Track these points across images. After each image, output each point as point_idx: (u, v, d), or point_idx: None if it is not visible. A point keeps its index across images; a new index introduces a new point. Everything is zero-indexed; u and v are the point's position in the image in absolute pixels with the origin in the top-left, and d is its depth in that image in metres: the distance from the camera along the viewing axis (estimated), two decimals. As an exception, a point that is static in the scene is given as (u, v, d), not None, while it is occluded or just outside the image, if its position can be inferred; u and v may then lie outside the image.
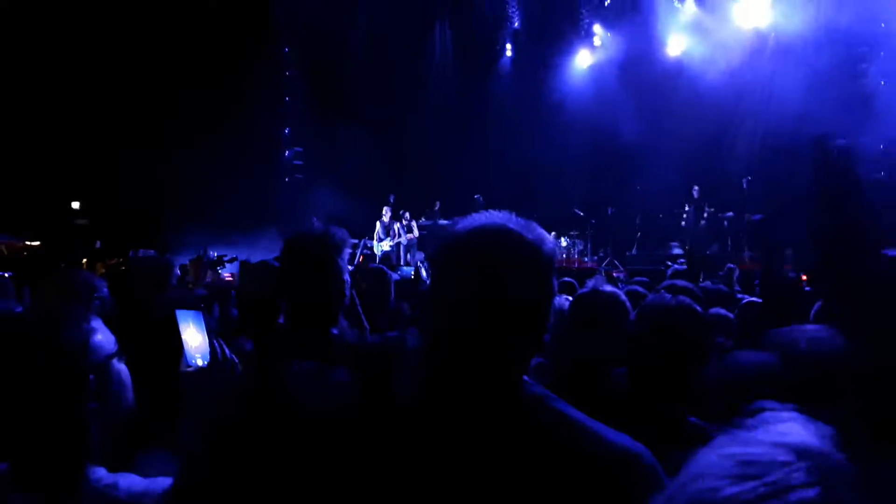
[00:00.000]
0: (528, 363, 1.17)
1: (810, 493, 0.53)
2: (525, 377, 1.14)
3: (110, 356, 1.31)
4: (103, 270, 8.05)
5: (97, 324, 1.33)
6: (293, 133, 16.18)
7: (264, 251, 9.17)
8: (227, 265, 10.22)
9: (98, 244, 11.99)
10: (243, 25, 13.50)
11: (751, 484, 0.55)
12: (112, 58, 12.51)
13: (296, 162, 16.15)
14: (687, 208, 13.81)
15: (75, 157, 12.58)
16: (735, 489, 0.55)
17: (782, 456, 0.56)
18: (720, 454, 0.59)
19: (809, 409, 0.63)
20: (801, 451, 0.57)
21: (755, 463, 0.56)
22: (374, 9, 16.16)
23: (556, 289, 1.18)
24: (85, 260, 10.45)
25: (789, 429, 0.60)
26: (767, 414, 0.65)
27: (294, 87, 15.98)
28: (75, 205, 13.82)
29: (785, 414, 0.64)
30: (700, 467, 0.59)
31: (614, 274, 9.66)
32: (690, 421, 1.98)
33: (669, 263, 10.10)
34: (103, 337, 1.33)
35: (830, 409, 0.60)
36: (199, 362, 1.40)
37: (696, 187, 13.82)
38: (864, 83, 13.67)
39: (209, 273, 7.14)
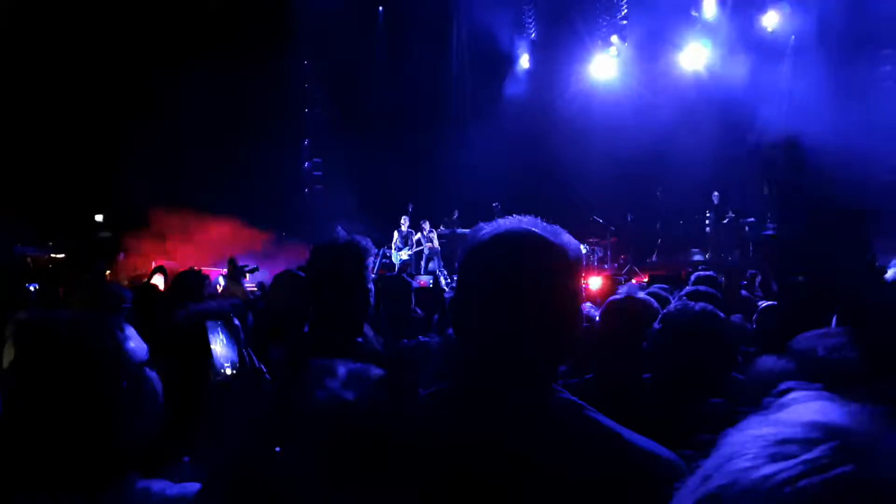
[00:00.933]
0: (558, 368, 1.17)
1: (846, 469, 0.53)
2: (556, 385, 1.14)
3: (143, 363, 1.33)
4: (126, 282, 8.14)
5: (130, 331, 1.35)
6: (312, 144, 16.29)
7: (285, 261, 9.22)
8: (249, 275, 10.29)
9: (121, 256, 12.13)
10: (264, 38, 13.63)
11: (787, 463, 0.54)
12: (135, 73, 12.68)
13: (315, 173, 16.26)
14: (708, 214, 13.72)
15: (99, 170, 12.75)
16: (771, 468, 0.55)
17: (815, 434, 0.56)
18: (754, 434, 0.59)
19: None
20: (833, 430, 0.56)
21: (789, 441, 0.56)
22: (392, 21, 16.28)
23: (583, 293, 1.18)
24: (109, 272, 10.58)
25: (820, 407, 0.60)
26: (796, 394, 0.63)
27: (314, 98, 16.10)
28: (99, 217, 14.01)
29: (813, 393, 0.63)
30: (734, 447, 0.59)
31: (635, 280, 9.61)
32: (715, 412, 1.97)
33: (690, 270, 10.04)
34: (136, 344, 1.35)
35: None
36: (229, 372, 1.41)
37: (717, 193, 13.73)
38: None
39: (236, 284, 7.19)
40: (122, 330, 1.33)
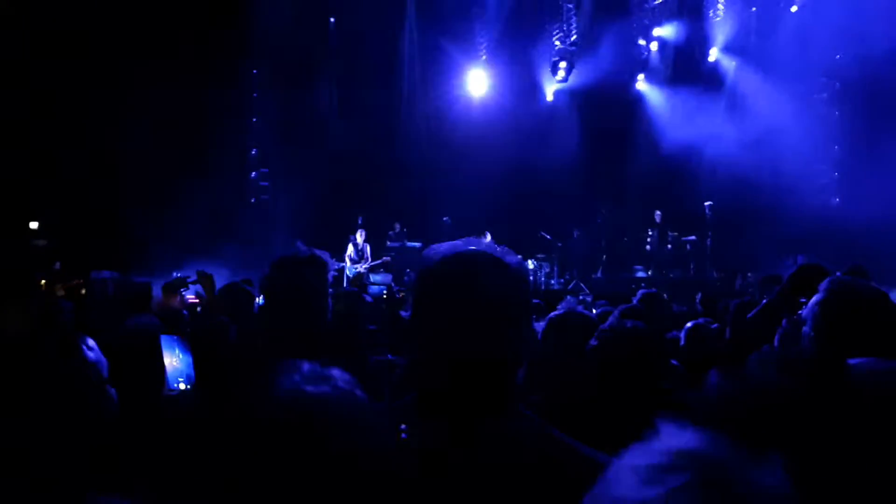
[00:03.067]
0: (516, 382, 1.19)
1: (704, 494, 0.61)
2: (518, 403, 1.16)
3: (105, 379, 1.30)
4: (63, 292, 7.87)
5: (93, 345, 1.31)
6: (260, 154, 16.08)
7: (229, 273, 9.06)
8: (191, 286, 10.06)
9: (57, 265, 11.71)
10: (212, 45, 13.42)
11: (654, 488, 0.62)
12: (72, 76, 12.31)
13: (262, 183, 16.04)
14: (651, 232, 14.08)
15: (33, 177, 12.32)
16: (642, 493, 0.63)
17: (680, 461, 0.64)
18: (631, 462, 0.68)
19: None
20: (694, 457, 0.64)
21: (659, 467, 0.64)
22: (344, 33, 16.24)
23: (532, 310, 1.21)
24: (44, 282, 10.19)
25: (685, 438, 0.68)
26: (667, 428, 0.71)
27: (261, 108, 15.91)
28: (33, 225, 13.50)
29: (687, 427, 0.70)
30: (615, 474, 0.68)
31: (580, 296, 9.77)
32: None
33: (634, 287, 10.26)
34: (97, 358, 1.31)
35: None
36: (182, 387, 1.38)
37: (659, 212, 14.11)
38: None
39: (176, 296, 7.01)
40: (87, 345, 1.29)
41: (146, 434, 1.40)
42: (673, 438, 0.68)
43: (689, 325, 4.13)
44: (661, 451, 0.66)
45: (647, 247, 14.19)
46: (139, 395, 1.52)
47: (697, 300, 7.11)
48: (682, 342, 3.97)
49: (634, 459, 0.67)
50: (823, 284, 2.06)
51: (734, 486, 0.62)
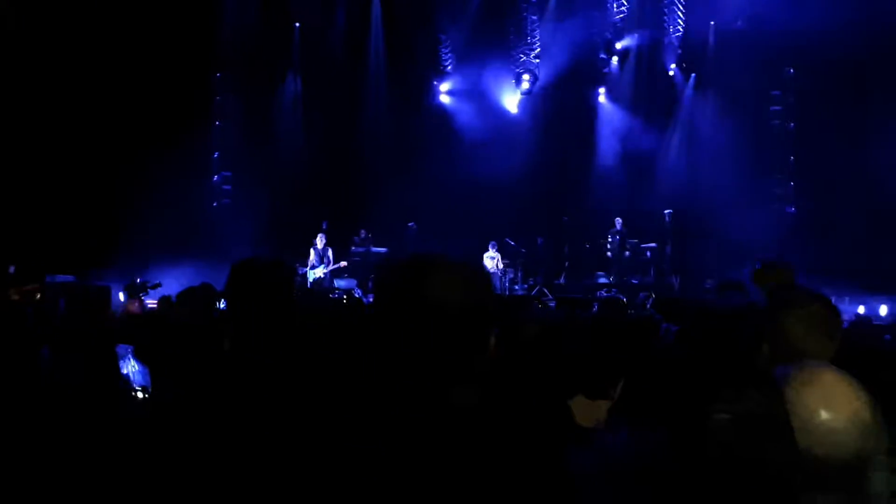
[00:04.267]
0: (475, 386, 1.21)
1: None
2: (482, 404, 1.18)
3: (65, 385, 1.27)
4: (17, 297, 7.67)
5: (51, 353, 1.29)
6: (222, 158, 15.90)
7: (190, 276, 8.93)
8: (151, 291, 9.89)
9: (11, 269, 11.41)
10: (174, 49, 13.25)
11: None
12: (31, 79, 12.04)
13: (224, 187, 15.86)
14: (611, 239, 14.30)
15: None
16: None
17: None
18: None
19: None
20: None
21: None
22: (307, 35, 16.18)
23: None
24: (-3, 286, 9.92)
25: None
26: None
27: (224, 112, 15.75)
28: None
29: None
30: None
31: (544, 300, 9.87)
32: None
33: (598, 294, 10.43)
34: (59, 366, 1.28)
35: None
36: (140, 395, 1.38)
37: (619, 219, 14.34)
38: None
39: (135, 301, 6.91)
40: (46, 353, 1.26)
41: (105, 440, 1.38)
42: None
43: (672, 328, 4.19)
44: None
45: (609, 254, 14.40)
46: (97, 402, 1.50)
47: (649, 304, 7.24)
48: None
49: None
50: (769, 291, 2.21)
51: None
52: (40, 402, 1.21)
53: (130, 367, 1.27)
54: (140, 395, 1.26)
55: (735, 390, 1.10)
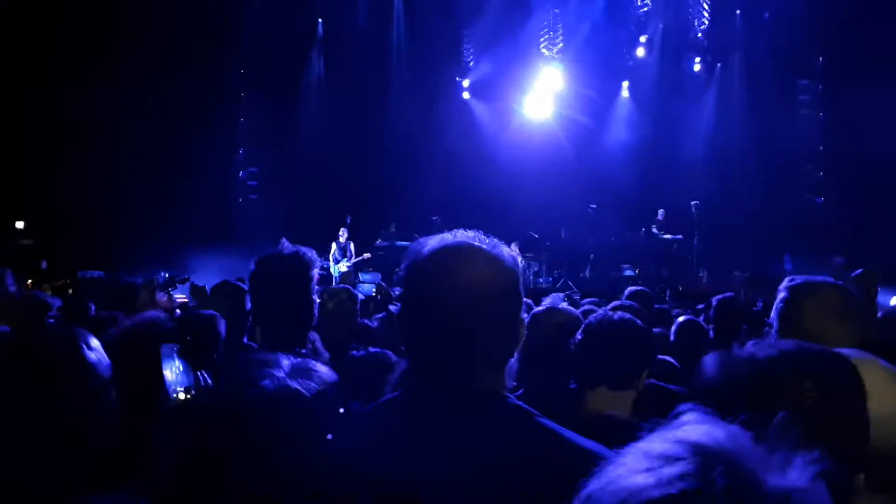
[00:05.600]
0: (504, 373, 1.20)
1: (688, 485, 0.60)
2: (506, 393, 1.18)
3: (107, 381, 1.25)
4: (50, 292, 7.83)
5: (95, 343, 1.27)
6: (248, 154, 16.04)
7: (217, 272, 9.03)
8: (179, 286, 10.01)
9: (44, 265, 11.64)
10: (200, 46, 13.38)
11: (652, 475, 0.62)
12: (57, 75, 12.23)
13: (250, 182, 16.00)
14: (655, 230, 14.15)
15: (19, 175, 12.23)
16: (638, 479, 0.63)
17: (683, 451, 0.64)
18: (640, 448, 0.67)
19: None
20: (698, 448, 0.64)
21: (663, 456, 0.64)
22: (331, 31, 16.24)
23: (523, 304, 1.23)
24: (30, 281, 10.13)
25: (695, 428, 0.67)
26: (688, 415, 0.71)
27: (249, 108, 15.87)
28: (20, 224, 13.40)
29: (701, 416, 0.70)
30: (623, 457, 0.68)
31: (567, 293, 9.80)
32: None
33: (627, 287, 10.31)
34: (100, 358, 1.28)
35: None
36: (182, 396, 1.37)
37: (662, 210, 14.15)
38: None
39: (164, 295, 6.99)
40: (88, 344, 1.26)
41: (146, 438, 1.37)
42: (688, 428, 0.67)
43: (680, 319, 4.16)
44: (663, 440, 0.66)
45: (635, 246, 14.28)
46: (139, 398, 1.49)
47: (667, 296, 7.15)
48: (673, 337, 4.00)
49: (634, 449, 0.67)
50: (783, 283, 2.19)
51: (742, 479, 0.60)
52: (81, 393, 1.21)
53: (175, 367, 1.26)
54: (183, 395, 1.25)
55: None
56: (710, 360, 2.13)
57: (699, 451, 0.63)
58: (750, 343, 1.22)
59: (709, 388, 1.92)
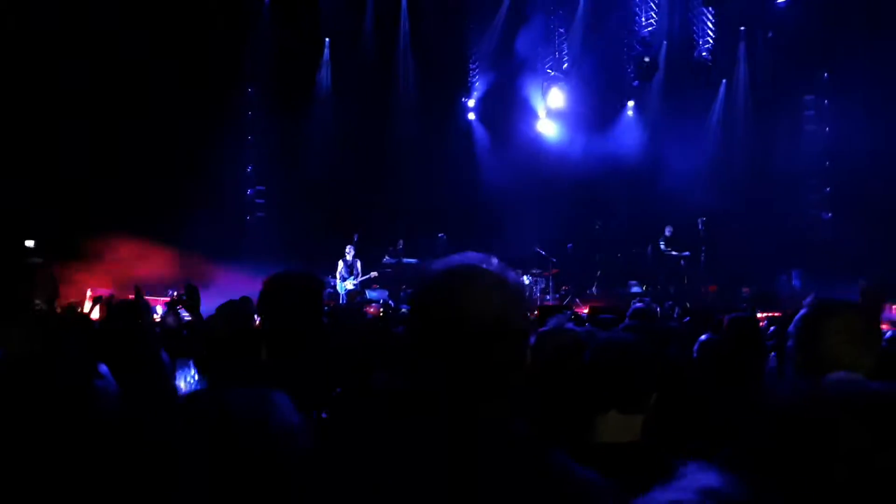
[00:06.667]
0: (510, 397, 1.20)
1: None
2: (513, 418, 1.18)
3: (116, 409, 1.25)
4: (59, 311, 7.87)
5: (106, 372, 1.27)
6: (256, 172, 16.14)
7: (227, 291, 9.05)
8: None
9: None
10: (207, 66, 13.52)
11: None
12: (69, 97, 12.36)
13: (258, 201, 16.09)
14: (663, 247, 14.14)
15: (28, 196, 12.33)
16: None
17: (697, 498, 0.68)
18: (654, 499, 0.72)
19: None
20: (711, 494, 0.68)
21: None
22: (337, 50, 16.38)
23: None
24: (38, 300, 10.17)
25: (704, 477, 0.72)
26: (693, 467, 0.75)
27: (256, 126, 16.00)
28: (29, 243, 13.48)
29: (707, 467, 0.74)
30: None
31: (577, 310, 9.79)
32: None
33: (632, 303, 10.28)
34: (109, 386, 1.28)
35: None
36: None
37: (670, 227, 14.15)
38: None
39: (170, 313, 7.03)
40: (99, 373, 1.26)
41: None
42: (697, 477, 0.71)
43: (702, 338, 4.15)
44: (684, 488, 0.70)
45: (642, 262, 14.27)
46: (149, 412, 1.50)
47: (676, 313, 7.13)
48: (696, 355, 3.99)
49: (658, 496, 0.70)
50: (806, 300, 2.14)
51: None
52: (92, 421, 1.21)
53: (189, 379, 1.28)
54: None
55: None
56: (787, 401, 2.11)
57: (711, 497, 0.69)
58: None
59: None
